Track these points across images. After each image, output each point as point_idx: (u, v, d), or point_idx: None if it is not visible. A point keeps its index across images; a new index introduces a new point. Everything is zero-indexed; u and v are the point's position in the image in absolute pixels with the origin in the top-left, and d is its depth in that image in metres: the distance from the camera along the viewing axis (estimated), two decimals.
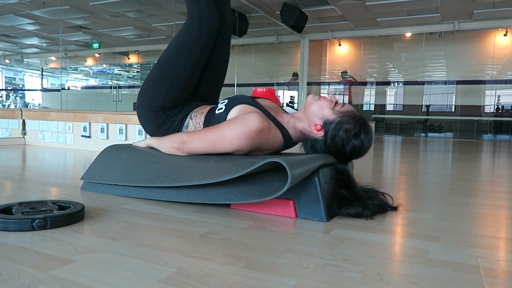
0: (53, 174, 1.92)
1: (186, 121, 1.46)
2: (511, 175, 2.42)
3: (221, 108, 1.38)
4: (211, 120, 1.39)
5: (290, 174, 1.02)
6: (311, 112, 1.31)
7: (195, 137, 1.32)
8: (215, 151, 1.29)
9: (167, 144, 1.38)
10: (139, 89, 1.53)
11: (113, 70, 13.32)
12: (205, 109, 1.46)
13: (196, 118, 1.44)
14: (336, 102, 1.31)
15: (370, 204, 1.17)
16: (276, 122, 1.33)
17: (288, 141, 1.36)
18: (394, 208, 1.26)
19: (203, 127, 1.41)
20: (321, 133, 1.29)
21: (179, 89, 1.48)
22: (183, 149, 1.33)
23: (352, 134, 1.25)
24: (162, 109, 1.48)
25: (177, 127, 1.47)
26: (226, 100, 1.41)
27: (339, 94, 10.36)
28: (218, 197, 1.20)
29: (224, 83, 1.70)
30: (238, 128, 1.24)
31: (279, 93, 10.44)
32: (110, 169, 1.43)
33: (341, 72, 9.59)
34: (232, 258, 0.80)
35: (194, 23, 1.46)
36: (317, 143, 1.30)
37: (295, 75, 9.87)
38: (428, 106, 9.69)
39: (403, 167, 2.72)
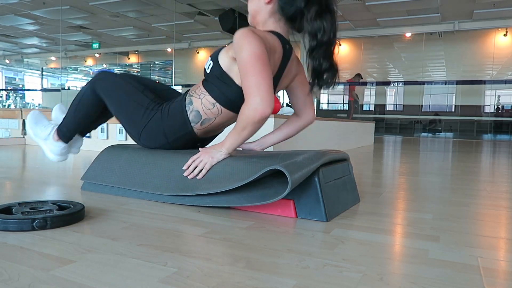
0: (53, 174, 1.92)
1: (187, 100, 1.44)
2: (511, 175, 2.42)
3: (210, 64, 1.38)
4: (209, 80, 1.39)
5: (290, 180, 1.03)
6: (258, 13, 1.40)
7: (254, 88, 1.21)
8: (262, 71, 1.22)
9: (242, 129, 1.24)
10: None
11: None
12: (197, 84, 1.46)
13: (196, 94, 1.43)
14: None
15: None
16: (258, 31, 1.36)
17: (281, 38, 1.41)
18: None
19: (208, 92, 1.39)
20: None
21: (148, 96, 1.53)
22: (262, 105, 1.18)
23: None
24: (151, 110, 1.48)
25: (180, 109, 1.44)
26: (209, 58, 1.42)
27: (338, 94, 10.36)
28: (220, 201, 1.21)
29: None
30: (245, 47, 1.23)
31: (279, 93, 10.43)
32: (110, 170, 1.43)
33: (356, 75, 8.99)
34: (232, 258, 0.80)
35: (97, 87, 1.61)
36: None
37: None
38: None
39: (403, 167, 2.72)
